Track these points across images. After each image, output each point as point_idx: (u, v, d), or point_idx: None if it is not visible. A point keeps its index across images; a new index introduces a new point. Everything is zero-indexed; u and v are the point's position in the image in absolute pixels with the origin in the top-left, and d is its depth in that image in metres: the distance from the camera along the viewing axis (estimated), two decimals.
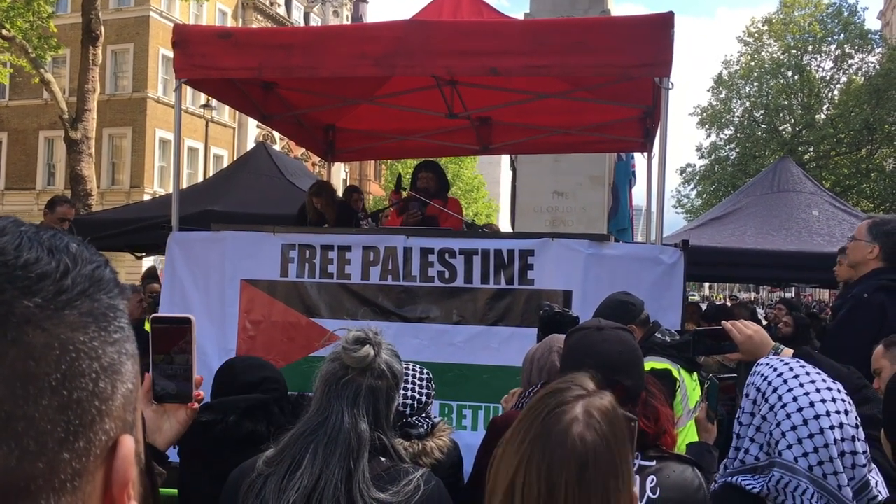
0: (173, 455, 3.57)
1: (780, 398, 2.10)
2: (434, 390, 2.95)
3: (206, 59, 5.15)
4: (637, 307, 3.91)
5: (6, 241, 0.60)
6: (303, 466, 1.93)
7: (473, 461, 3.15)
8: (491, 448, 1.62)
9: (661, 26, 4.76)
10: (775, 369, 2.18)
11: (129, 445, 0.64)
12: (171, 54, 5.41)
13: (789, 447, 2.03)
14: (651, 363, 3.50)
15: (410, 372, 2.84)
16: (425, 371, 2.94)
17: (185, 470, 3.00)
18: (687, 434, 3.53)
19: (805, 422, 2.03)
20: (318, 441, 1.96)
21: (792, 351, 2.64)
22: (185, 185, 16.74)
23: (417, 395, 2.81)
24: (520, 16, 9.29)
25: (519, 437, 1.48)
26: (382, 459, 2.01)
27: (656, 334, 3.89)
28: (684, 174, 39.50)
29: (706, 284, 49.91)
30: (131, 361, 0.66)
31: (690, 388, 3.84)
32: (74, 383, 0.59)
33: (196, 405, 1.77)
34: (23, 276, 0.59)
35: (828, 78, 36.16)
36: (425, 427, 2.77)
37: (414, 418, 2.77)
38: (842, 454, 2.00)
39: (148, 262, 14.88)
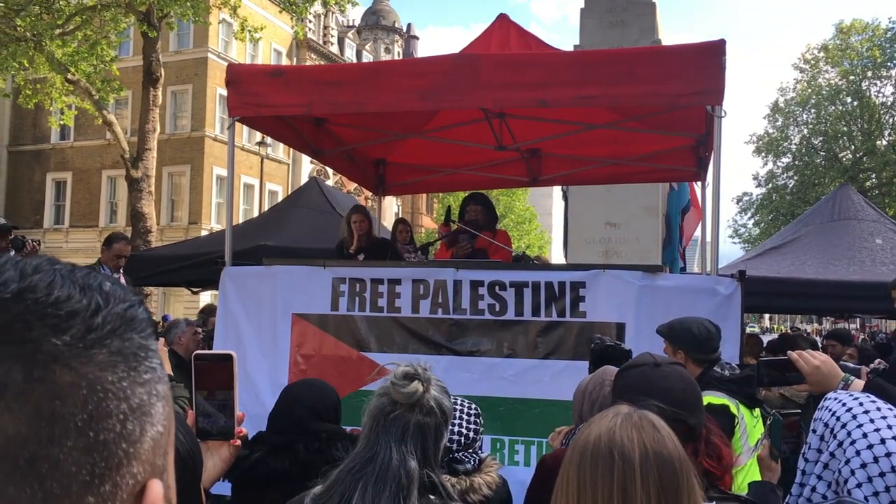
0: (223, 488, 3.58)
1: (849, 434, 2.00)
2: (483, 426, 2.90)
3: (258, 97, 5.26)
4: (718, 339, 3.78)
5: (39, 278, 0.59)
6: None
7: (524, 500, 3.08)
8: (541, 486, 1.60)
9: (712, 54, 4.70)
10: (844, 404, 2.08)
11: (157, 490, 0.62)
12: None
13: (859, 486, 1.93)
14: (708, 398, 3.38)
15: (459, 406, 2.80)
16: (474, 406, 2.90)
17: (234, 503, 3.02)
18: (748, 473, 3.39)
19: (876, 459, 1.93)
20: (367, 478, 1.93)
21: (862, 383, 2.52)
22: (240, 220, 17.06)
23: (465, 431, 2.76)
24: (569, 49, 9.29)
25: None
26: (432, 497, 1.97)
27: (715, 368, 3.76)
28: (741, 203, 38.85)
29: (766, 315, 48.72)
30: (162, 403, 0.65)
31: (751, 425, 3.69)
32: (101, 424, 0.58)
33: (238, 442, 1.76)
34: (53, 314, 0.58)
35: (888, 103, 35.30)
36: (472, 463, 2.71)
37: (461, 454, 2.72)
38: None
39: (205, 296, 15.15)
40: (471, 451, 2.76)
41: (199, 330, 7.27)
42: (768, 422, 3.00)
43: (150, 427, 0.62)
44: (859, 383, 2.54)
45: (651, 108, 5.89)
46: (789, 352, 2.72)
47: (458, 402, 2.81)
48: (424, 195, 46.28)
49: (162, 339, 4.45)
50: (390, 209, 37.95)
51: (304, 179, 32.84)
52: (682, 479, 1.49)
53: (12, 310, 0.57)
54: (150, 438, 0.62)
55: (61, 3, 15.38)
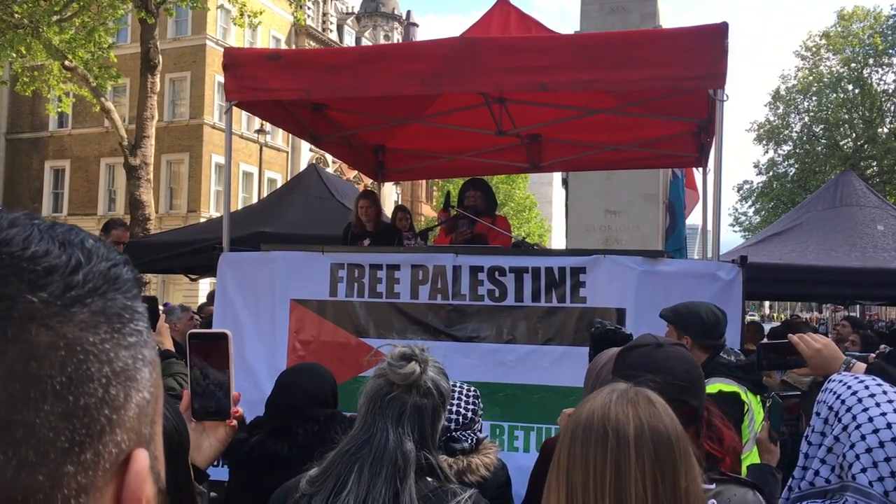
0: (221, 473, 3.57)
1: (854, 418, 1.97)
2: (482, 408, 2.87)
3: (256, 81, 5.21)
4: (725, 325, 3.72)
5: (15, 232, 0.55)
6: (348, 487, 1.88)
7: (527, 484, 3.06)
8: (544, 469, 1.57)
9: (714, 37, 4.65)
10: (849, 387, 2.05)
11: (143, 460, 0.58)
12: None
13: (864, 470, 1.90)
14: (719, 385, 3.35)
15: (457, 389, 2.77)
16: (473, 388, 2.88)
17: (230, 486, 3.00)
18: (750, 457, 3.37)
19: (881, 444, 1.90)
20: (363, 460, 1.91)
21: (865, 366, 2.49)
22: (239, 208, 17.00)
23: (463, 411, 2.74)
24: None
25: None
26: (429, 479, 1.95)
27: (721, 354, 3.72)
28: (741, 191, 38.76)
29: (766, 303, 48.74)
30: (149, 369, 0.61)
31: (757, 412, 3.67)
32: (81, 388, 0.54)
33: (234, 422, 1.73)
34: (29, 269, 0.54)
35: (890, 91, 35.16)
36: (470, 442, 2.69)
37: (458, 433, 2.70)
38: None
39: (203, 283, 15.12)
40: (469, 431, 2.74)
41: (196, 316, 7.24)
42: (767, 403, 2.97)
43: (135, 393, 0.59)
44: (861, 366, 2.51)
45: (653, 93, 5.84)
46: (790, 335, 2.69)
47: (458, 384, 2.79)
48: (424, 183, 46.22)
49: (163, 316, 4.43)
50: (389, 197, 37.91)
51: (303, 167, 32.75)
52: (679, 455, 1.45)
53: None
54: (134, 405, 0.59)
55: None
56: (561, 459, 1.47)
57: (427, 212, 45.66)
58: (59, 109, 20.32)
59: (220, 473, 3.63)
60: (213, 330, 1.79)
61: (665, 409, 1.50)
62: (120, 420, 0.57)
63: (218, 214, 29.95)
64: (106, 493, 0.56)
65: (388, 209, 8.48)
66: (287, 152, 38.41)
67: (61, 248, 0.57)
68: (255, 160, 31.27)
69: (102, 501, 0.56)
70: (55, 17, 15.53)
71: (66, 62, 15.91)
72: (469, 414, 2.76)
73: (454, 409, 2.72)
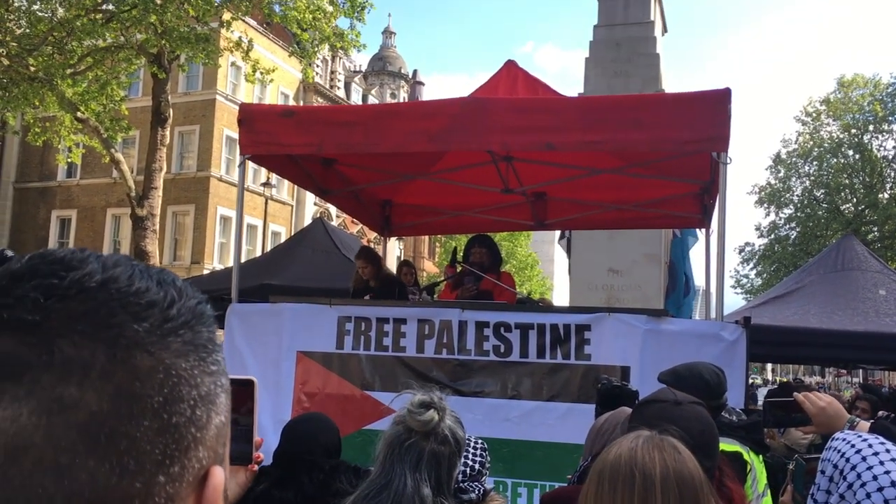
0: None
1: (859, 476, 2.00)
2: (489, 461, 2.89)
3: (269, 136, 5.33)
4: (724, 386, 3.72)
5: (120, 271, 0.63)
6: None
7: None
8: None
9: (718, 102, 4.77)
10: (853, 445, 2.07)
11: (219, 476, 0.65)
12: (234, 135, 5.64)
13: None
14: (721, 445, 3.34)
15: (466, 440, 2.78)
16: (480, 441, 2.89)
17: None
18: None
19: (886, 502, 1.92)
20: None
21: (868, 424, 2.52)
22: (242, 260, 17.06)
23: (471, 463, 2.76)
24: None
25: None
26: None
27: (723, 413, 3.73)
28: (743, 253, 38.86)
29: (769, 366, 48.38)
30: (225, 395, 0.68)
31: (759, 471, 3.66)
32: (174, 408, 0.61)
33: (255, 467, 1.76)
34: (134, 303, 0.62)
35: (890, 157, 35.55)
36: (477, 493, 2.70)
37: (466, 483, 2.71)
38: None
39: None
40: (476, 482, 2.75)
41: None
42: (790, 466, 2.97)
43: (214, 415, 0.66)
44: (865, 424, 2.54)
45: (657, 154, 5.96)
46: (795, 393, 2.72)
47: (467, 437, 2.80)
48: (426, 238, 46.37)
49: None
50: (393, 253, 38.03)
51: (307, 221, 32.99)
52: (703, 499, 1.49)
53: (98, 297, 0.61)
54: (214, 426, 0.66)
55: (73, 43, 15.61)
56: (588, 499, 1.51)
57: (429, 267, 45.74)
58: (69, 160, 20.55)
59: None
60: (240, 376, 1.83)
61: (689, 456, 1.54)
62: (203, 438, 0.64)
63: (221, 266, 30.05)
64: (188, 503, 0.63)
65: (391, 265, 8.55)
66: (292, 206, 38.69)
67: (158, 286, 0.65)
68: (260, 213, 31.48)
69: None
70: (69, 70, 15.85)
71: (79, 114, 16.18)
72: (477, 466, 2.78)
73: (462, 461, 2.73)
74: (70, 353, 0.58)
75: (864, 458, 2.02)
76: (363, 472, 2.69)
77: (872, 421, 2.56)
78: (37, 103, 16.41)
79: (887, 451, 2.03)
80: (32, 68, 15.27)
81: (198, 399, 0.64)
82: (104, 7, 15.60)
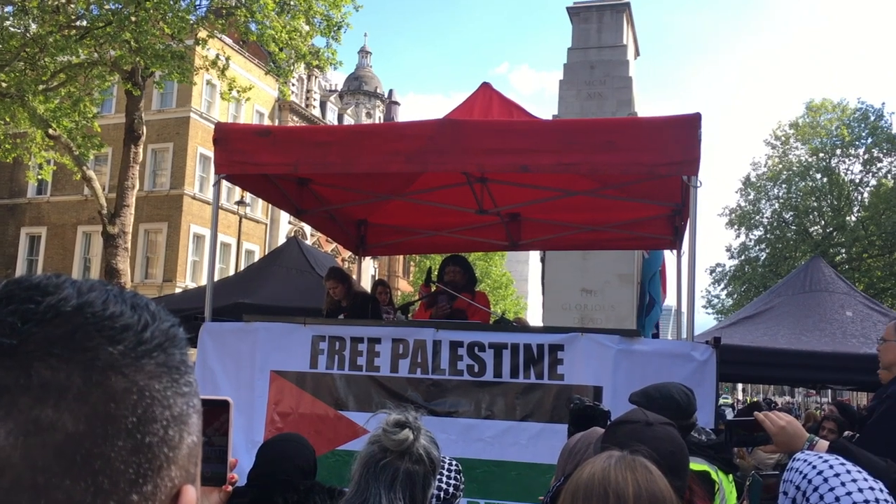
0: None
1: (821, 498, 2.04)
2: (463, 483, 2.90)
3: (244, 156, 5.32)
4: (694, 406, 3.76)
5: (95, 295, 0.65)
6: None
7: None
8: None
9: (689, 126, 4.86)
10: (814, 466, 2.12)
11: (191, 495, 0.67)
12: (208, 153, 5.63)
13: None
14: (690, 464, 3.38)
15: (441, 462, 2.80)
16: (454, 462, 2.91)
17: None
18: None
19: None
20: None
21: (827, 444, 2.57)
22: (216, 279, 16.91)
23: (445, 486, 2.77)
24: (548, 118, 9.51)
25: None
26: None
27: (693, 433, 3.77)
28: (714, 274, 39.30)
29: (739, 386, 48.76)
30: (197, 415, 0.70)
31: (728, 491, 3.70)
32: (148, 428, 0.63)
33: (230, 488, 1.76)
34: (109, 327, 0.63)
35: (857, 181, 36.24)
36: None
37: None
38: None
39: None
40: None
41: None
42: (748, 482, 3.02)
43: (186, 435, 0.67)
44: (824, 444, 2.59)
45: (630, 177, 6.04)
46: (755, 412, 2.77)
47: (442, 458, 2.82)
48: (401, 258, 46.33)
49: None
50: (367, 272, 37.90)
51: (281, 239, 32.81)
52: None
53: (73, 321, 0.62)
54: (186, 446, 0.67)
55: (46, 59, 15.48)
56: None
57: (404, 286, 45.66)
58: (40, 177, 20.32)
59: None
60: (215, 397, 1.83)
61: (660, 476, 1.57)
62: (175, 458, 0.66)
63: (194, 285, 29.76)
64: None
65: (365, 284, 8.55)
66: (266, 224, 38.49)
67: (132, 310, 0.66)
68: (234, 231, 31.26)
69: None
70: (41, 87, 15.70)
71: (51, 131, 16.02)
72: (451, 489, 2.80)
73: (436, 483, 2.75)
74: (47, 376, 0.59)
75: (825, 480, 2.06)
76: (338, 492, 2.69)
77: (830, 442, 2.61)
78: (8, 119, 16.23)
79: (847, 471, 2.08)
80: (4, 84, 15.11)
81: (171, 419, 0.65)
82: (78, 23, 15.50)
